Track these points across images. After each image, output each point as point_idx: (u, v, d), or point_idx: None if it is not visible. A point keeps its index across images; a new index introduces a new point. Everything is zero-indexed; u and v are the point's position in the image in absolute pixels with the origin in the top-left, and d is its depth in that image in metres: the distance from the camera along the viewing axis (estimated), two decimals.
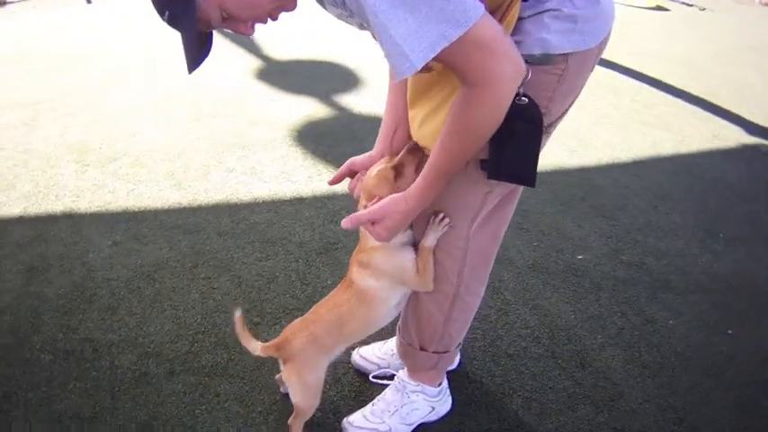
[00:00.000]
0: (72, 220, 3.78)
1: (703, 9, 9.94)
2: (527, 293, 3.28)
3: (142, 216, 3.82)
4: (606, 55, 5.92)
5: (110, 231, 3.67)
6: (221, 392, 2.65)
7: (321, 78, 6.01)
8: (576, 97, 1.87)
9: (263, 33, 7.23)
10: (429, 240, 2.05)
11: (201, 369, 2.76)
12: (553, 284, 3.35)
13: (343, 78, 6.00)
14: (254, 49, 6.82)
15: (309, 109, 5.29)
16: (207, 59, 1.81)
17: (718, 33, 8.57)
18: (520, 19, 1.64)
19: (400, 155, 2.04)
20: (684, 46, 7.82)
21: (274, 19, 1.71)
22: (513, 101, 1.65)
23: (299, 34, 7.22)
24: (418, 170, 1.88)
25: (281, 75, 6.10)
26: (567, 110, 1.87)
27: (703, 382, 2.83)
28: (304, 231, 3.67)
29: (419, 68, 1.50)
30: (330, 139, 4.61)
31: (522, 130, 1.71)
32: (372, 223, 1.94)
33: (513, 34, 1.64)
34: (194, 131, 4.90)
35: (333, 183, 2.26)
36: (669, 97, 6.03)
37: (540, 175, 4.16)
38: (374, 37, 1.57)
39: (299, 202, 3.97)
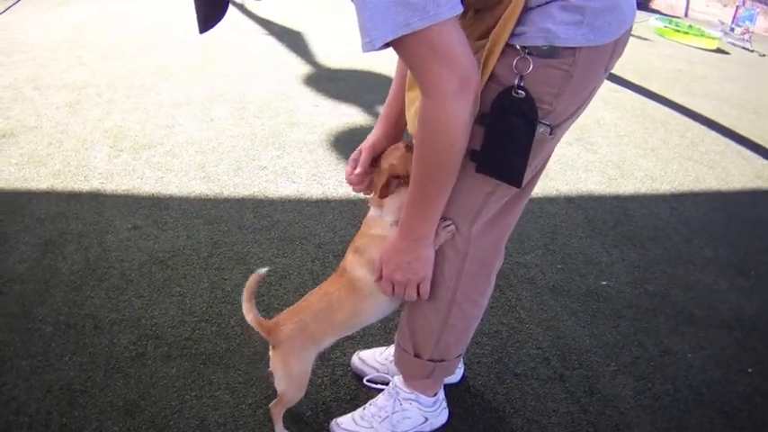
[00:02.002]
0: (96, 201, 3.82)
1: (763, 55, 9.91)
2: (543, 314, 3.22)
3: (166, 204, 3.85)
4: (663, 92, 5.99)
5: (132, 215, 3.70)
6: (214, 381, 2.64)
7: (368, 89, 6.01)
8: (588, 100, 1.81)
9: (321, 43, 7.30)
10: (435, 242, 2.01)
11: (198, 356, 2.76)
12: (572, 308, 3.29)
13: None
14: (307, 55, 6.89)
15: (351, 117, 5.31)
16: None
17: None
18: (529, 9, 1.60)
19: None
20: (740, 89, 7.76)
21: None
22: (509, 94, 1.65)
23: (354, 44, 7.25)
24: None
25: (330, 81, 6.13)
26: (576, 112, 1.81)
27: (716, 420, 2.74)
28: (325, 233, 3.67)
29: (377, 48, 1.50)
30: None
31: (515, 124, 1.69)
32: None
33: (518, 24, 1.61)
34: (234, 129, 4.93)
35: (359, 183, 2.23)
36: (718, 136, 5.98)
37: (574, 199, 4.26)
38: None
39: (324, 204, 3.97)
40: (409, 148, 2.00)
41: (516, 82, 1.65)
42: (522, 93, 1.65)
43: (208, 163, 4.36)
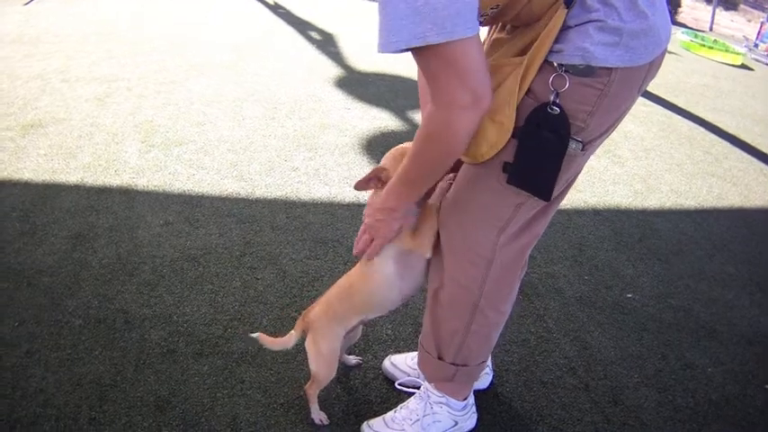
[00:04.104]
0: (127, 196, 3.86)
1: None
2: (570, 324, 3.26)
3: (198, 201, 3.88)
4: (689, 108, 6.04)
5: (163, 211, 3.74)
6: (246, 380, 2.66)
7: (399, 94, 6.05)
8: (620, 119, 1.87)
9: (351, 45, 7.32)
10: (434, 197, 2.10)
11: (230, 355, 2.78)
12: (598, 319, 3.32)
13: None
14: (339, 59, 6.92)
15: (382, 121, 5.34)
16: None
17: None
18: (567, 28, 1.66)
19: None
20: (763, 106, 7.75)
21: None
22: (544, 109, 1.71)
23: None
24: None
25: (361, 86, 6.16)
26: (608, 130, 1.86)
27: None
28: None
29: (390, 52, 1.55)
30: None
31: (547, 139, 1.74)
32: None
33: (557, 42, 1.67)
34: (266, 129, 4.97)
35: None
36: (741, 153, 6.01)
37: (601, 212, 4.34)
38: None
39: (356, 207, 3.99)
40: None
41: (552, 98, 1.70)
42: (557, 109, 1.70)
43: (240, 162, 4.40)
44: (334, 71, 6.52)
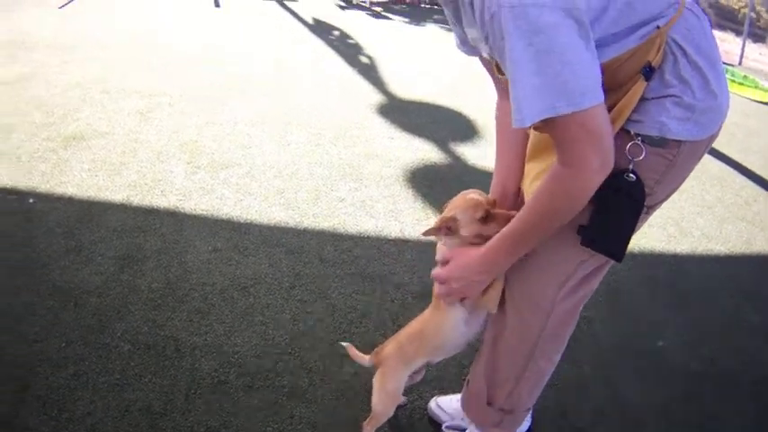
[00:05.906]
0: (175, 218, 3.94)
1: None
2: (604, 370, 3.31)
3: (246, 228, 3.96)
4: (720, 147, 6.21)
5: (212, 237, 3.82)
6: (296, 415, 2.72)
7: (441, 124, 6.11)
8: (680, 185, 1.99)
9: (390, 71, 7.39)
10: None
11: (281, 389, 2.84)
12: (631, 366, 3.37)
13: (463, 128, 6.11)
14: (379, 84, 6.98)
15: (426, 152, 5.39)
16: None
17: None
18: (644, 99, 1.77)
19: (498, 210, 2.15)
20: None
21: None
22: (621, 176, 1.81)
23: (426, 77, 7.36)
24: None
25: (403, 114, 6.23)
26: (669, 195, 2.00)
27: None
28: (404, 273, 3.75)
29: (526, 126, 1.63)
30: (442, 186, 4.69)
31: (624, 205, 1.86)
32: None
33: (635, 112, 1.78)
34: (311, 155, 5.05)
35: None
36: None
37: (638, 257, 4.40)
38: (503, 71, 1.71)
39: (403, 243, 4.05)
40: (487, 215, 2.14)
41: (630, 167, 1.81)
42: (633, 176, 1.82)
43: (287, 189, 4.48)
44: (376, 97, 6.60)
